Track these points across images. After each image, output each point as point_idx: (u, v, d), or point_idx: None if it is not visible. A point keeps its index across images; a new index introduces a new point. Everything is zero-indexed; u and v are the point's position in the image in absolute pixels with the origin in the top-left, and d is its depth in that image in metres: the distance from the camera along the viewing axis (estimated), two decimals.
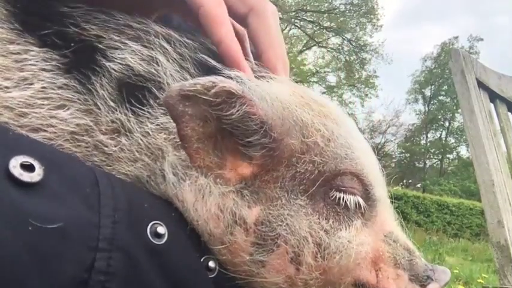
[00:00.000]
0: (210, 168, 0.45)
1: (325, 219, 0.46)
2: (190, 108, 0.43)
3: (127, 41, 0.49)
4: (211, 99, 0.43)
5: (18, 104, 0.45)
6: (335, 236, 0.46)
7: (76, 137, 0.46)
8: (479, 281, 5.05)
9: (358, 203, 0.47)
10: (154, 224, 0.40)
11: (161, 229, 0.40)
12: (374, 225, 0.49)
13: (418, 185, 26.23)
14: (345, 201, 0.47)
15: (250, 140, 0.46)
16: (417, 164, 28.67)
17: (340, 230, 0.46)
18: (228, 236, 0.44)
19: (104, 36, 0.49)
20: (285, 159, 0.47)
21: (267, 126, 0.45)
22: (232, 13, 0.54)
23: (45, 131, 0.45)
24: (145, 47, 0.49)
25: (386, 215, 0.51)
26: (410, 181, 27.71)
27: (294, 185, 0.46)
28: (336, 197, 0.47)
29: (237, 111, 0.44)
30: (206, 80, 0.43)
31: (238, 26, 0.57)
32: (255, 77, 0.52)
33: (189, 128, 0.44)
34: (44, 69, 0.46)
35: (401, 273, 0.48)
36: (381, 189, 0.51)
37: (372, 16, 22.42)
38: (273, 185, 0.46)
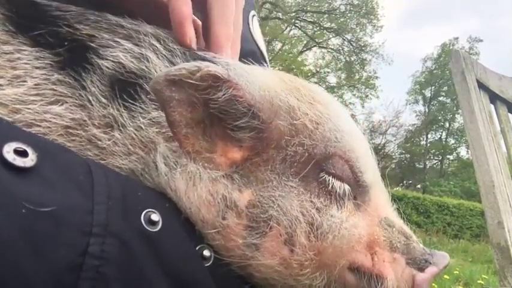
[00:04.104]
0: (199, 154, 0.46)
1: (317, 197, 0.46)
2: (177, 93, 0.44)
3: (119, 40, 0.50)
4: (197, 83, 0.44)
5: (12, 101, 0.46)
6: (327, 215, 0.46)
7: (70, 131, 0.47)
8: (479, 282, 5.04)
9: (345, 188, 0.48)
10: (148, 211, 0.41)
11: (155, 216, 0.41)
12: (368, 210, 0.49)
13: (418, 186, 26.23)
14: (334, 184, 0.47)
15: (239, 124, 0.46)
16: (417, 165, 28.68)
17: (332, 209, 0.46)
18: (220, 221, 0.45)
19: (96, 35, 0.50)
20: (274, 141, 0.47)
21: (254, 109, 0.46)
22: None
23: (38, 126, 0.46)
24: (137, 45, 0.50)
25: (381, 200, 0.51)
26: (410, 182, 27.73)
27: (285, 168, 0.47)
28: (326, 179, 0.47)
29: (224, 94, 0.44)
30: (191, 64, 0.43)
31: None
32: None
33: (176, 113, 0.44)
34: (37, 67, 0.48)
35: (397, 257, 0.48)
36: (372, 173, 0.51)
37: (372, 17, 22.44)
38: (263, 167, 0.47)
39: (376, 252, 0.47)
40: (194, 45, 0.49)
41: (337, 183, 0.47)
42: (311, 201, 0.46)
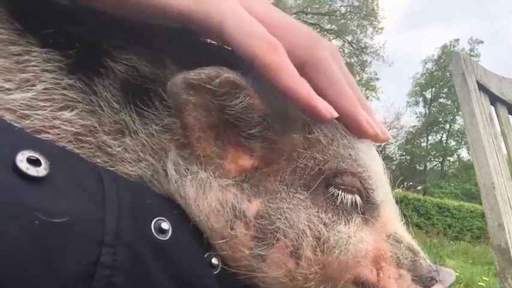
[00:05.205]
0: (210, 159, 0.45)
1: (325, 212, 0.46)
2: (194, 97, 0.43)
3: (133, 42, 0.48)
4: (215, 88, 0.43)
5: (20, 106, 0.44)
6: (334, 230, 0.45)
7: (80, 138, 0.46)
8: (480, 283, 5.03)
9: (356, 202, 0.47)
10: (158, 220, 0.40)
11: (165, 225, 0.40)
12: (376, 225, 0.49)
13: (419, 188, 26.18)
14: (342, 199, 0.47)
15: (252, 132, 0.46)
16: (418, 167, 28.64)
17: (339, 225, 0.46)
18: (229, 231, 0.44)
19: (110, 36, 0.48)
20: (286, 152, 0.47)
21: (270, 119, 0.45)
22: None
23: (47, 132, 0.45)
24: (151, 48, 0.49)
25: (390, 216, 0.51)
26: (411, 184, 27.67)
27: (294, 179, 0.46)
28: (334, 193, 0.47)
29: (241, 102, 0.44)
30: (211, 69, 0.43)
31: None
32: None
33: (192, 117, 0.44)
34: (46, 70, 0.46)
35: (403, 274, 0.47)
36: (384, 192, 0.50)
37: (372, 18, 22.45)
38: (273, 178, 0.46)
39: (382, 268, 0.47)
40: (335, 114, 0.45)
41: (345, 199, 0.47)
42: (318, 216, 0.45)
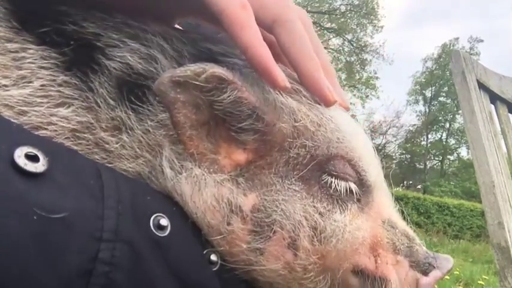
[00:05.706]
0: (204, 155, 0.45)
1: (320, 201, 0.46)
2: (182, 94, 0.43)
3: (125, 39, 0.49)
4: (202, 84, 0.43)
5: (18, 102, 0.45)
6: (330, 219, 0.45)
7: (77, 134, 0.46)
8: (479, 282, 5.05)
9: (351, 188, 0.47)
10: (157, 216, 0.40)
11: (164, 221, 0.40)
12: (371, 211, 0.49)
13: (419, 186, 26.22)
14: (336, 186, 0.47)
15: (243, 126, 0.46)
16: (418, 165, 28.67)
17: (335, 213, 0.46)
18: (225, 226, 0.44)
19: (103, 34, 0.49)
20: (278, 144, 0.47)
21: (259, 111, 0.45)
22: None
23: (45, 129, 0.45)
24: (144, 45, 0.49)
25: (384, 201, 0.51)
26: (410, 182, 27.73)
27: (288, 171, 0.46)
28: (328, 181, 0.47)
29: (228, 96, 0.44)
30: (196, 66, 0.43)
31: (266, 33, 0.49)
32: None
33: (181, 115, 0.44)
34: (42, 67, 0.46)
35: (401, 260, 0.47)
36: (375, 173, 0.50)
37: (372, 17, 22.44)
38: (267, 170, 0.46)
39: (379, 255, 0.47)
40: (288, 84, 0.46)
41: (339, 186, 0.47)
42: (314, 206, 0.45)
